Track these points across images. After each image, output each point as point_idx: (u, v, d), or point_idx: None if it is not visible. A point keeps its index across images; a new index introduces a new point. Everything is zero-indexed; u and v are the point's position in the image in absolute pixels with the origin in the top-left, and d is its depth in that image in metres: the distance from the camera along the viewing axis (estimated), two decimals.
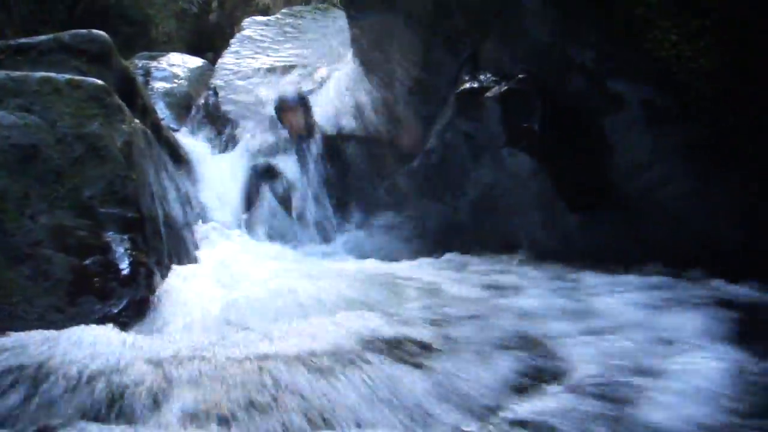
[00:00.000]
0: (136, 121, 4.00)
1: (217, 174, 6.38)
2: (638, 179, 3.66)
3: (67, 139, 3.30)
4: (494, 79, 4.27)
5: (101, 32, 4.34)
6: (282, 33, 8.50)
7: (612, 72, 3.57)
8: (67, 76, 3.54)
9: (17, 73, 3.41)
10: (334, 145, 6.20)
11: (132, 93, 4.46)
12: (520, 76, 4.09)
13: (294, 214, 6.13)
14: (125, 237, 3.30)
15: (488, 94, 4.22)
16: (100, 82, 3.65)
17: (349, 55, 6.76)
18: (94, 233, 3.20)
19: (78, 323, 2.83)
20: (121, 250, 3.25)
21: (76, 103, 3.44)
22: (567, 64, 3.77)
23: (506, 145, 4.13)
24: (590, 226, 3.88)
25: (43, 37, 4.18)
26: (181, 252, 4.24)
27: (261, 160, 6.43)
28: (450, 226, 4.84)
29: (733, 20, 3.12)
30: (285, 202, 6.20)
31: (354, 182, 6.03)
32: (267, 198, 6.22)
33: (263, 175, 6.33)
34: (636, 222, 3.69)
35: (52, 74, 3.50)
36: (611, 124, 3.66)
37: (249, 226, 6.11)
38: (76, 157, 3.29)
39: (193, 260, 4.45)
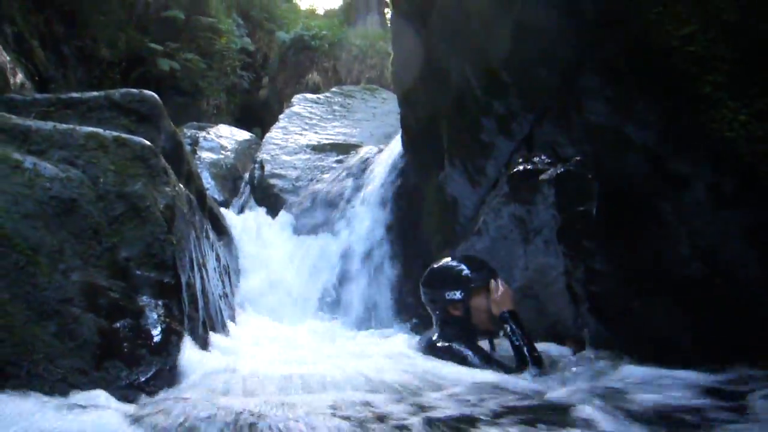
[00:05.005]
0: (180, 185, 3.92)
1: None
2: (701, 265, 3.43)
3: (109, 196, 3.20)
4: (549, 161, 4.13)
5: (152, 93, 4.32)
6: (331, 111, 8.53)
7: (674, 153, 3.39)
8: (114, 133, 3.47)
9: (64, 126, 3.35)
10: None
11: (179, 157, 4.40)
12: (576, 158, 3.95)
13: None
14: (160, 303, 3.15)
15: (543, 176, 4.07)
16: (146, 142, 3.58)
17: (398, 135, 6.75)
18: (128, 296, 3.06)
19: (102, 388, 2.68)
20: (154, 316, 3.09)
21: (121, 161, 3.36)
22: (626, 145, 3.61)
23: (561, 229, 3.95)
24: (649, 314, 3.63)
25: (93, 93, 4.16)
26: (216, 324, 4.08)
27: None
28: None
29: None
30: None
31: None
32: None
33: None
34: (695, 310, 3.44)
35: (99, 130, 3.43)
36: (672, 207, 3.46)
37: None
38: (116, 215, 3.18)
39: (227, 332, 4.31)
